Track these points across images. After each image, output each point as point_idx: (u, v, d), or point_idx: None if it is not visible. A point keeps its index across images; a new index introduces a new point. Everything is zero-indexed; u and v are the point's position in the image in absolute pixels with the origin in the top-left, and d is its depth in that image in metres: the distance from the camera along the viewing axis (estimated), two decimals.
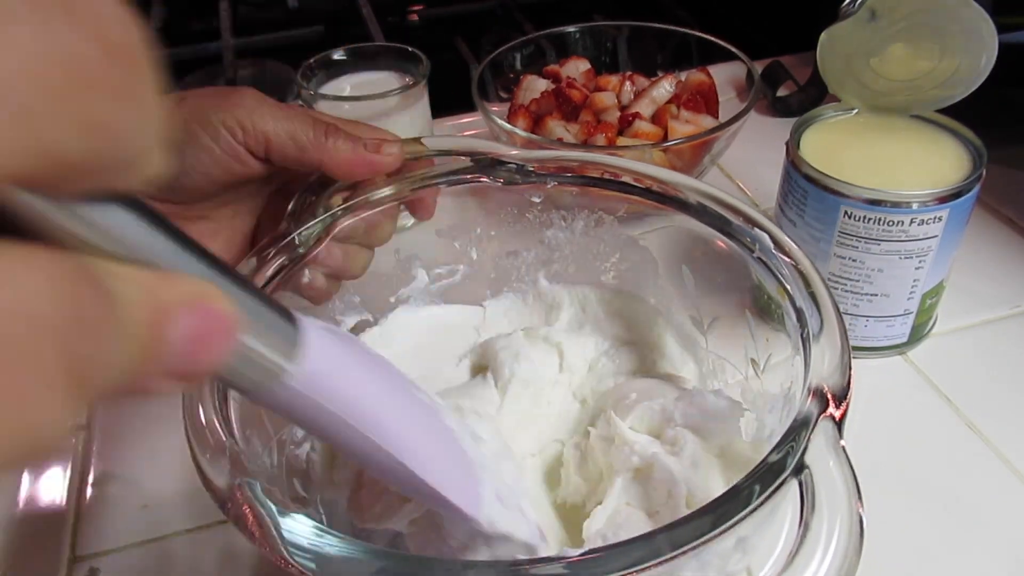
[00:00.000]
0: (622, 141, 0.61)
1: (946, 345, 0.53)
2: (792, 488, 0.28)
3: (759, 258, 0.38)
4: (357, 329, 0.46)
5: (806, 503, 0.27)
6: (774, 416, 0.36)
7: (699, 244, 0.42)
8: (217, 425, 0.31)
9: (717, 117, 0.65)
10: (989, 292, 0.57)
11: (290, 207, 0.42)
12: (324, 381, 0.22)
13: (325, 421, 0.23)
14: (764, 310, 0.39)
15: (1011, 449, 0.46)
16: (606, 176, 0.44)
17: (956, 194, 0.46)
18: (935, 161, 0.49)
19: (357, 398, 0.24)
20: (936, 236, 0.47)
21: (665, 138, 0.61)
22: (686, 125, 0.62)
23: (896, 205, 0.46)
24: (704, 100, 0.65)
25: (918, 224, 0.46)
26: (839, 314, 0.34)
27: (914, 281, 0.48)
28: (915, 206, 0.46)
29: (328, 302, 0.45)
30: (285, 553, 0.26)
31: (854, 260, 0.48)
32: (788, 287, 0.36)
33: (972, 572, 0.41)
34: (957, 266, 0.51)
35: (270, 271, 0.38)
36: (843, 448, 0.29)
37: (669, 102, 0.64)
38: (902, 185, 0.46)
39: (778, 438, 0.29)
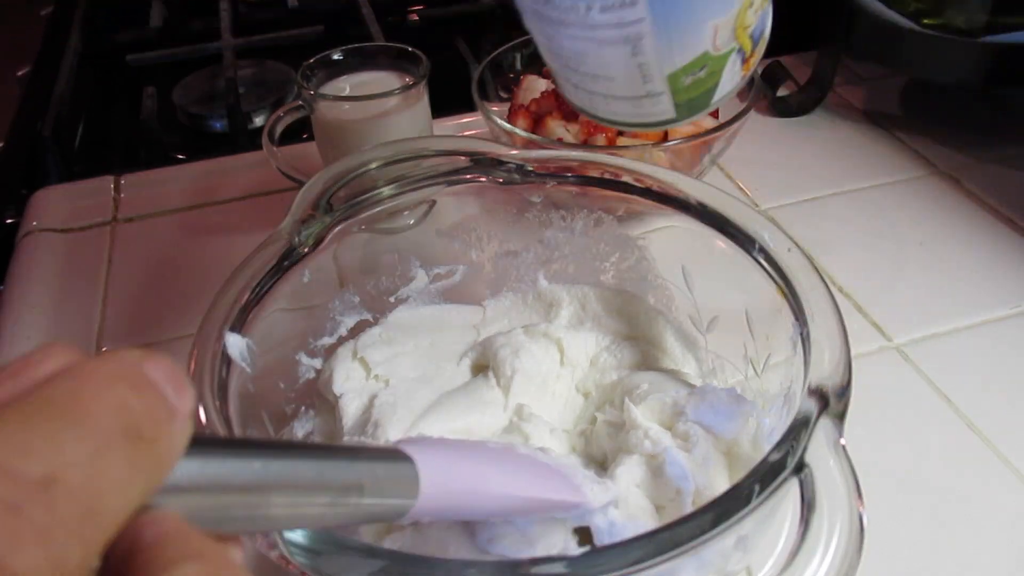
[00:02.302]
0: (622, 141, 0.61)
1: (946, 345, 0.53)
2: (792, 487, 0.28)
3: (758, 258, 0.38)
4: (357, 329, 0.46)
5: (806, 502, 0.27)
6: (774, 415, 0.36)
7: (699, 244, 0.42)
8: (217, 425, 0.31)
9: (717, 117, 0.65)
10: (989, 292, 0.57)
11: (291, 207, 0.42)
12: (442, 490, 0.27)
13: (454, 511, 0.29)
14: (763, 309, 0.39)
15: (1011, 449, 0.46)
16: (606, 176, 0.44)
17: None
18: None
19: (468, 486, 0.29)
20: (639, 20, 0.34)
21: (665, 138, 0.61)
22: (686, 125, 0.61)
23: None
24: None
25: (599, 12, 0.34)
26: (839, 314, 0.34)
27: (640, 66, 0.36)
28: None
29: (328, 303, 0.45)
30: (285, 552, 0.26)
31: (551, 41, 0.37)
32: (788, 287, 0.36)
33: (972, 571, 0.41)
34: (957, 265, 0.50)
35: (268, 271, 0.38)
36: (843, 447, 0.29)
37: None
38: None
39: (778, 437, 0.29)
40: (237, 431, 0.32)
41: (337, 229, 0.42)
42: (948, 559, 0.41)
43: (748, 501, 0.27)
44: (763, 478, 0.27)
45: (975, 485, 0.45)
